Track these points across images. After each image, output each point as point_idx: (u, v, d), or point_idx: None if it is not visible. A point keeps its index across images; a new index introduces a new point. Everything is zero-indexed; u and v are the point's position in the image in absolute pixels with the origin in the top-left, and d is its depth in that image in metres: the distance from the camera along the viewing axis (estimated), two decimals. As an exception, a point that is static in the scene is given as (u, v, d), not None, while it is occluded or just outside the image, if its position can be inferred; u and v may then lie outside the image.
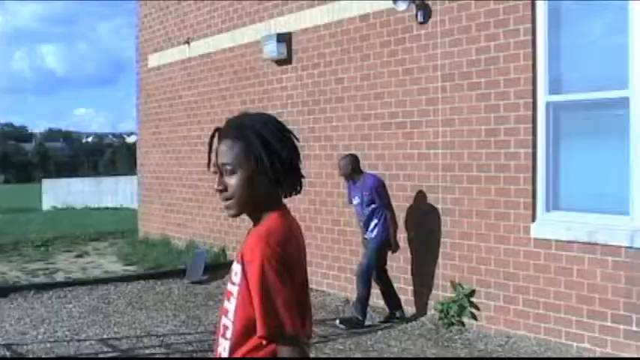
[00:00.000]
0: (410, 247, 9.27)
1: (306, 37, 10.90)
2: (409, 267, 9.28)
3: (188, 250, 13.30)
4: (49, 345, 8.12)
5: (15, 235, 17.08)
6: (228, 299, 2.54)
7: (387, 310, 9.13)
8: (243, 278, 2.44)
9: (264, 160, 2.51)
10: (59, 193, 34.72)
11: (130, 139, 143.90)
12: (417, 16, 8.94)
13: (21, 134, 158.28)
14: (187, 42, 14.01)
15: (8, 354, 7.80)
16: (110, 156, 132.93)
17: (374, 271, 8.88)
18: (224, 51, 12.91)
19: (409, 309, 9.23)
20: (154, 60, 15.38)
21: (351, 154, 9.11)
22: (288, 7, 11.28)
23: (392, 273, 9.39)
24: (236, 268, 2.51)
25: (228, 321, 2.53)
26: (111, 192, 31.63)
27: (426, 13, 8.87)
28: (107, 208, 29.09)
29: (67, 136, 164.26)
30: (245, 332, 2.46)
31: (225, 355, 2.52)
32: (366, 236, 8.97)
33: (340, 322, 8.71)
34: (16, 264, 13.34)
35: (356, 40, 9.97)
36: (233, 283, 2.52)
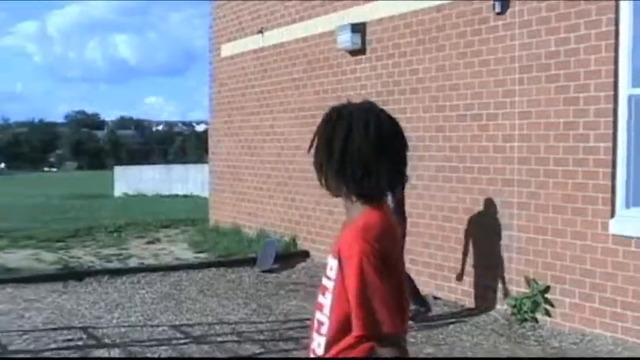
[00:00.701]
0: (483, 240, 9.16)
1: (380, 28, 10.83)
2: (481, 261, 9.17)
3: (259, 239, 13.37)
4: (123, 329, 8.25)
5: (89, 221, 17.42)
6: (324, 294, 2.50)
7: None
8: (340, 274, 2.40)
9: (322, 153, 2.52)
10: (130, 180, 35.28)
11: (200, 128, 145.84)
12: (494, 6, 8.80)
13: (93, 122, 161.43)
14: (261, 32, 14.06)
15: (84, 336, 7.95)
16: (180, 144, 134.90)
17: None
18: (297, 41, 12.91)
19: (479, 303, 9.13)
20: (227, 49, 15.47)
21: None
22: (363, -3, 11.23)
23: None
24: (332, 262, 2.47)
25: (323, 317, 2.48)
26: (181, 180, 31.98)
27: (504, 3, 8.72)
28: (177, 196, 29.44)
29: (138, 125, 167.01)
30: (341, 329, 2.41)
31: (319, 351, 2.49)
32: None
33: None
34: (90, 249, 13.60)
35: (431, 31, 9.87)
36: (328, 278, 2.48)
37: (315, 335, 2.52)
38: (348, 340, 2.40)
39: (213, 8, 16.24)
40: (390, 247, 2.43)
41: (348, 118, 2.51)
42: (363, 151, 2.46)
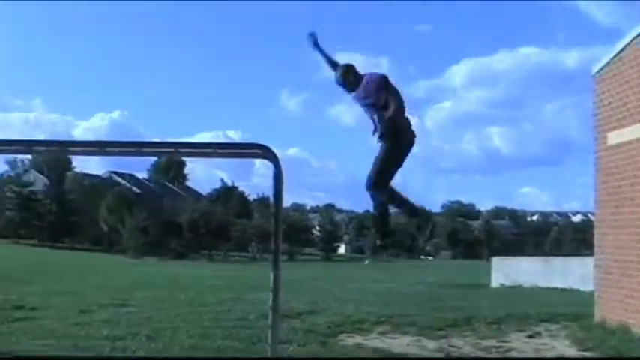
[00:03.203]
0: None
1: None
2: None
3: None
4: None
5: (467, 310, 17.38)
6: None
7: None
8: None
9: None
10: (507, 270, 34.92)
11: (575, 219, 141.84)
12: None
13: (469, 212, 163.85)
14: (652, 118, 13.30)
15: None
16: (555, 235, 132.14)
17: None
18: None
19: None
20: (614, 137, 14.82)
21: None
22: None
23: None
24: None
25: None
26: (559, 272, 31.00)
27: None
28: (556, 289, 28.58)
29: (512, 215, 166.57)
30: None
31: None
32: None
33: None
34: (470, 339, 13.52)
35: None
36: None
37: None
38: None
39: (597, 96, 15.72)
40: None
41: None
42: None
